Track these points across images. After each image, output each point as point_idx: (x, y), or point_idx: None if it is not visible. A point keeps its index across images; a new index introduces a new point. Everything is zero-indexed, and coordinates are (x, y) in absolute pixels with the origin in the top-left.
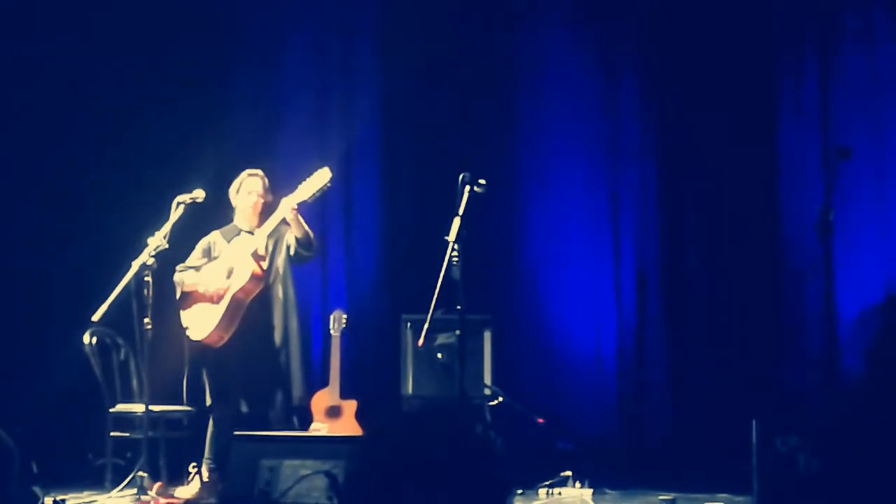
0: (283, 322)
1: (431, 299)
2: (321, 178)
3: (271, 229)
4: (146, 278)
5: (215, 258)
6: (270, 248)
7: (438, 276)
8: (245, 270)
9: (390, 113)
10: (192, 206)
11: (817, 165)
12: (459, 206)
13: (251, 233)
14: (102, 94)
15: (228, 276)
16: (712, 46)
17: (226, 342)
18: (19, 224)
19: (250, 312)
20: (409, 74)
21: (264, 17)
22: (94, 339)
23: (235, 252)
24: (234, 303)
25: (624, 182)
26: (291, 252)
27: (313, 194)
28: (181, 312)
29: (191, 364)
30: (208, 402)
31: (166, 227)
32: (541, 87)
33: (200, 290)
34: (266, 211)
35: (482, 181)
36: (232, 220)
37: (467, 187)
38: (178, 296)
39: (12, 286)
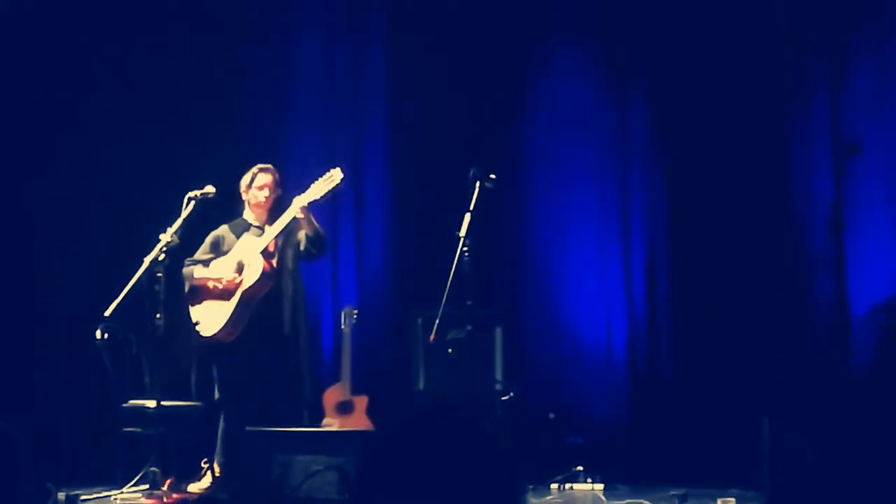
0: (293, 317)
1: (442, 295)
2: (333, 178)
3: (282, 227)
4: (158, 274)
5: (224, 252)
6: (280, 245)
7: (449, 272)
8: (256, 268)
9: (400, 108)
10: (204, 202)
11: (828, 161)
12: (470, 201)
13: (260, 228)
14: (114, 91)
15: (238, 272)
16: (723, 43)
17: (235, 338)
18: (31, 220)
19: (260, 308)
20: (420, 69)
21: (274, 13)
22: (106, 335)
23: (245, 248)
24: (245, 300)
25: (633, 177)
26: (301, 249)
27: (325, 194)
28: (190, 308)
29: (200, 360)
30: (216, 396)
31: (178, 223)
32: (550, 82)
33: (210, 285)
34: (276, 206)
35: (492, 176)
36: (241, 214)
37: (478, 182)
38: (186, 290)
39: (25, 282)
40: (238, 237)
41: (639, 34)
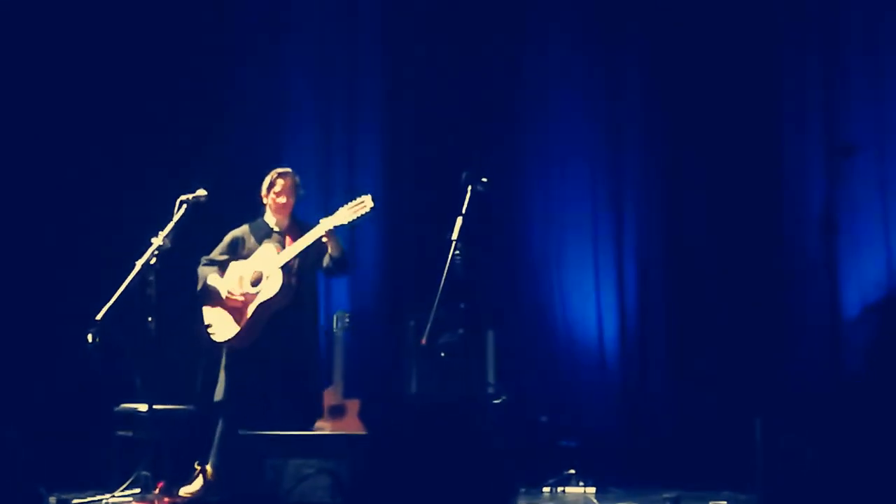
0: (310, 328)
1: (434, 298)
2: (364, 205)
3: (304, 247)
4: (150, 277)
5: (243, 256)
6: (301, 260)
7: (442, 275)
8: (275, 281)
9: (394, 111)
10: (196, 206)
11: (821, 163)
12: (462, 204)
13: (281, 234)
14: (108, 95)
15: (255, 283)
16: (716, 44)
17: (248, 344)
18: (23, 223)
19: (275, 319)
20: (413, 73)
21: (268, 18)
22: (98, 339)
23: (265, 259)
24: (260, 311)
25: (627, 179)
26: (323, 266)
27: (352, 220)
28: (204, 308)
29: (210, 363)
30: (218, 396)
31: (169, 227)
32: (544, 84)
33: (223, 294)
34: (298, 209)
35: (484, 179)
36: (262, 216)
37: (470, 186)
38: (199, 288)
39: (17, 285)
40: (259, 242)
41: (634, 31)
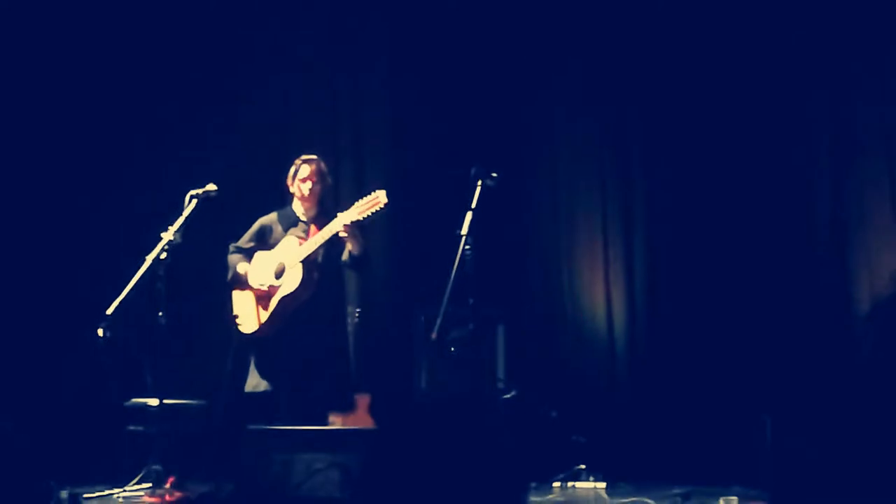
0: (332, 320)
1: (444, 293)
2: (378, 201)
3: (322, 241)
4: (160, 272)
5: (269, 245)
6: (324, 253)
7: (451, 270)
8: (295, 275)
9: (403, 105)
10: (206, 200)
11: (831, 158)
12: (472, 199)
13: (307, 223)
14: (118, 91)
15: (278, 276)
16: (724, 42)
17: (273, 335)
18: (33, 218)
19: (298, 311)
20: (423, 66)
21: (276, 13)
22: (108, 334)
23: (287, 251)
24: (282, 304)
25: (636, 174)
26: (344, 259)
27: (367, 216)
28: (234, 293)
29: (237, 353)
30: (249, 388)
31: (179, 222)
32: (553, 77)
33: (251, 283)
34: (326, 196)
35: (494, 174)
36: (290, 203)
37: (479, 181)
38: (229, 277)
39: (28, 280)
40: (285, 230)
41: (641, 31)
